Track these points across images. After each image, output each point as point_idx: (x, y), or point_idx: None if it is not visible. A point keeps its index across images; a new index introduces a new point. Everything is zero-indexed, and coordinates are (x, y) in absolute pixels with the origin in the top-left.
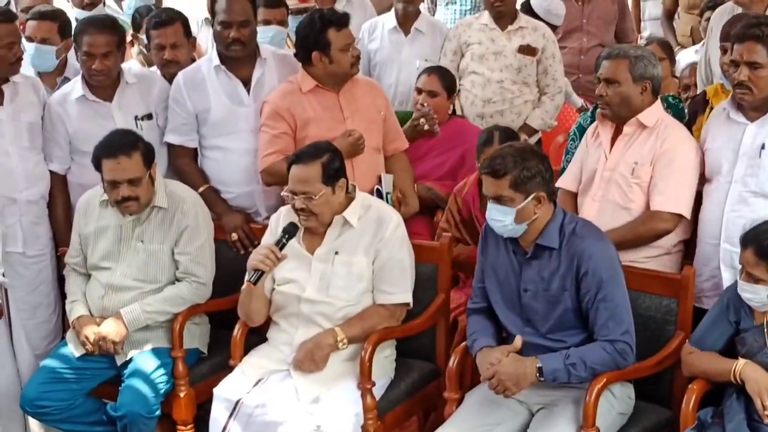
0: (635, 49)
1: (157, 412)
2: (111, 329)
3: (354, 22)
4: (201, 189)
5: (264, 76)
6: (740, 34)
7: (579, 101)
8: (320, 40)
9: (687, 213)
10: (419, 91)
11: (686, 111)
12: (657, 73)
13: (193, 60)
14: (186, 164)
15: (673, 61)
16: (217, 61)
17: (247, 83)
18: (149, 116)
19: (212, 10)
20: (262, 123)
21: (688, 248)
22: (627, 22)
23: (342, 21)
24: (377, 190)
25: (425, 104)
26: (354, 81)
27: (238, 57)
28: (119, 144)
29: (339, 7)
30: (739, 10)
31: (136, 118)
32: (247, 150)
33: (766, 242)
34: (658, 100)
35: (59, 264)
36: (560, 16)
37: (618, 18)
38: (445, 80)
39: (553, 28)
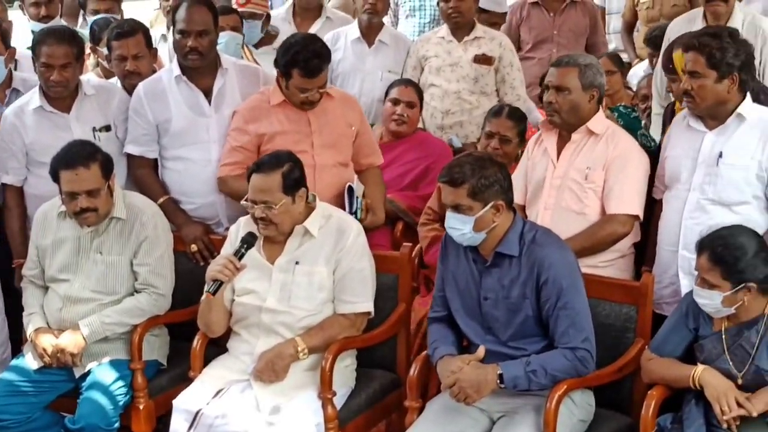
0: (584, 58)
1: (116, 425)
2: (69, 341)
3: None
4: (161, 200)
5: (225, 87)
6: (684, 44)
7: (540, 117)
8: (285, 68)
9: (641, 214)
10: (396, 101)
11: (641, 120)
12: (603, 82)
13: (155, 71)
14: (146, 175)
15: (624, 73)
16: (177, 71)
17: (208, 94)
18: (107, 128)
19: (173, 20)
20: (229, 132)
21: (640, 252)
22: (598, 36)
23: (308, 71)
24: (349, 187)
25: (405, 114)
26: (327, 95)
27: (196, 67)
28: (77, 155)
29: (317, 25)
30: (698, 19)
31: (94, 129)
32: (209, 160)
33: (720, 248)
34: (601, 109)
35: (11, 275)
36: (501, 3)
37: (589, 32)
38: (419, 92)
39: (501, 17)
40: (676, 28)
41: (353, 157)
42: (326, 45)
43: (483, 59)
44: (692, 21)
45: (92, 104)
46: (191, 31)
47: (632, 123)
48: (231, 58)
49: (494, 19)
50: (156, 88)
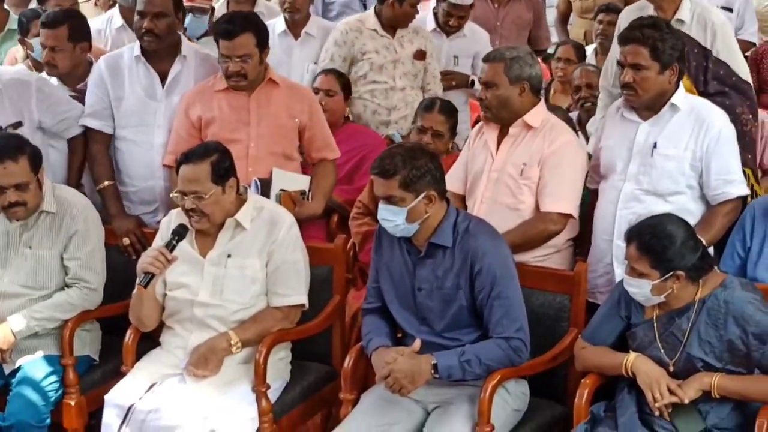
0: (511, 51)
1: (47, 421)
2: None
3: None
4: (104, 184)
5: (181, 73)
6: (624, 36)
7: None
8: (215, 39)
9: (575, 213)
10: (316, 90)
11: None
12: (534, 73)
13: (91, 63)
14: (100, 153)
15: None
16: (138, 51)
17: (164, 78)
18: (17, 124)
19: None
20: (176, 117)
21: (579, 244)
22: (541, 31)
23: (222, 33)
24: (255, 181)
25: (323, 102)
26: (272, 84)
27: (152, 49)
28: (5, 148)
29: None
30: (650, 8)
31: (0, 128)
32: (151, 144)
33: (648, 237)
34: (542, 101)
35: None
36: None
37: (533, 25)
38: (342, 80)
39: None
40: (626, 17)
41: (306, 150)
42: (254, 17)
43: (420, 55)
44: (642, 10)
45: (1, 100)
46: (148, 12)
47: None
48: (194, 46)
49: (462, 13)
50: (117, 64)
